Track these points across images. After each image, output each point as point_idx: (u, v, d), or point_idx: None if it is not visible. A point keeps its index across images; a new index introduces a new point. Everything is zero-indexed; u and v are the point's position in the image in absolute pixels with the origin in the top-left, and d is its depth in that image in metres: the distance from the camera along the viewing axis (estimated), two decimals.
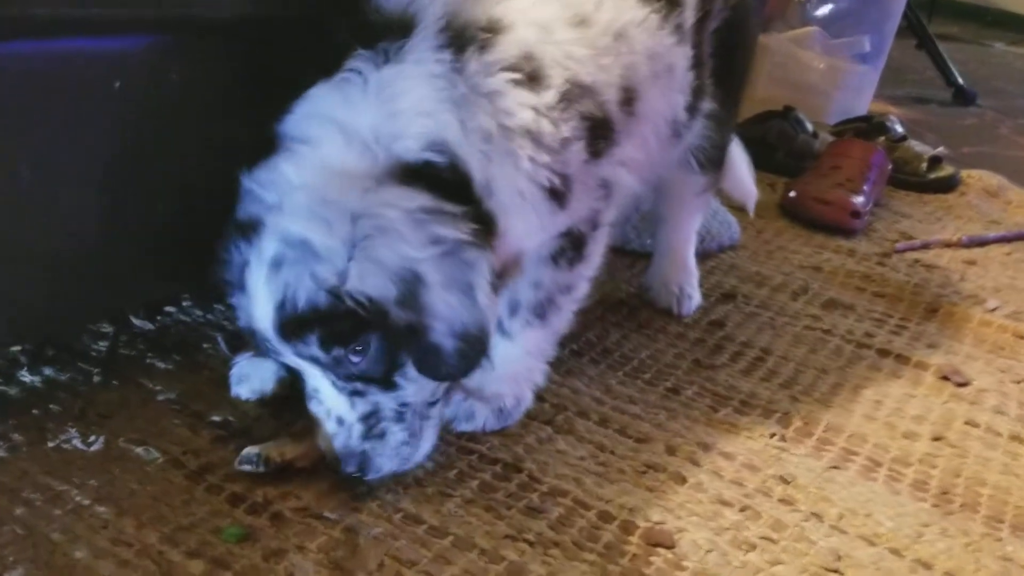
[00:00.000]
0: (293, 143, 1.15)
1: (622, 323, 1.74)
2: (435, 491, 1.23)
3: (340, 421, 1.16)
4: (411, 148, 1.13)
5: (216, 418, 1.31)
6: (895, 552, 1.24)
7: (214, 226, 1.17)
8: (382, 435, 1.16)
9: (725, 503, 1.28)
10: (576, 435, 1.39)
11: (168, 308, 1.56)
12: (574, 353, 1.61)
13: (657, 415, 1.46)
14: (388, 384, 1.16)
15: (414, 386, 1.17)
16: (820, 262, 2.12)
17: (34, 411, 1.28)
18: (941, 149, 2.90)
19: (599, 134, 1.24)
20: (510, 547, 1.15)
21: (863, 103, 3.20)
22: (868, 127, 2.80)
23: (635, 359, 1.62)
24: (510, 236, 1.21)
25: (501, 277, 1.21)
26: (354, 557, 1.10)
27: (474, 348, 1.13)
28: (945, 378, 1.68)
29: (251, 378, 1.36)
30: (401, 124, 1.14)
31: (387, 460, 1.17)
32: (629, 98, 1.30)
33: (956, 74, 4.01)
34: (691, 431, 1.43)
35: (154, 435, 1.27)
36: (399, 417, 1.17)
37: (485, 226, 1.16)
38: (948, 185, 2.73)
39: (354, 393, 1.15)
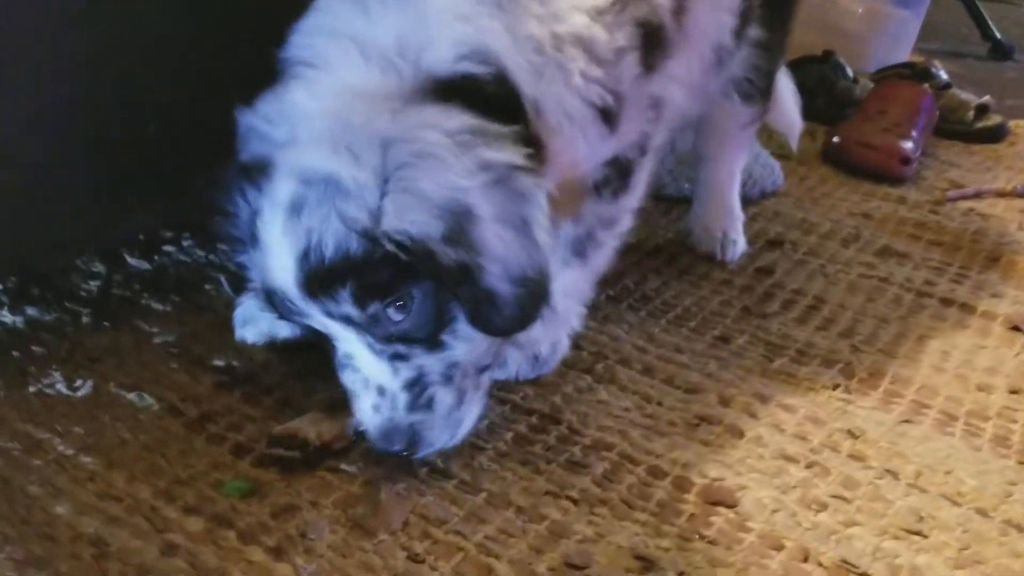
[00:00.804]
0: (301, 67, 0.99)
1: (661, 269, 1.59)
2: (464, 443, 1.08)
3: (381, 391, 0.98)
4: (445, 59, 0.97)
5: (218, 363, 1.18)
6: (982, 513, 1.09)
7: (203, 154, 1.02)
8: (429, 404, 0.99)
9: (789, 459, 1.14)
10: (618, 385, 1.25)
11: (167, 247, 1.42)
12: (611, 299, 1.47)
13: (707, 364, 1.32)
14: (434, 344, 0.99)
15: (465, 345, 1.00)
16: (869, 209, 1.97)
17: (14, 353, 1.15)
18: (987, 98, 2.73)
19: (654, 44, 1.10)
20: (551, 505, 1.02)
21: (902, 52, 3.02)
22: (911, 74, 2.63)
23: (678, 306, 1.47)
24: (556, 165, 1.06)
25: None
26: (375, 515, 0.96)
27: (533, 294, 0.96)
28: (1015, 328, 1.54)
29: (258, 320, 1.22)
30: (431, 31, 0.97)
31: (438, 433, 1.00)
32: (680, 7, 1.15)
33: (993, 28, 3.84)
34: (745, 382, 1.29)
35: (149, 380, 1.13)
36: (447, 379, 1.00)
37: (536, 151, 1.00)
38: (996, 135, 2.57)
39: (395, 357, 0.98)
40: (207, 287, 1.34)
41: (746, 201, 1.85)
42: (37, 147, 1.07)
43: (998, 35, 3.84)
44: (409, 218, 0.90)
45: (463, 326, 0.98)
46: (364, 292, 0.93)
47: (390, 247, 0.90)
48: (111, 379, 1.12)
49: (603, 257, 1.27)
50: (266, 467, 1.01)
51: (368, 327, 0.95)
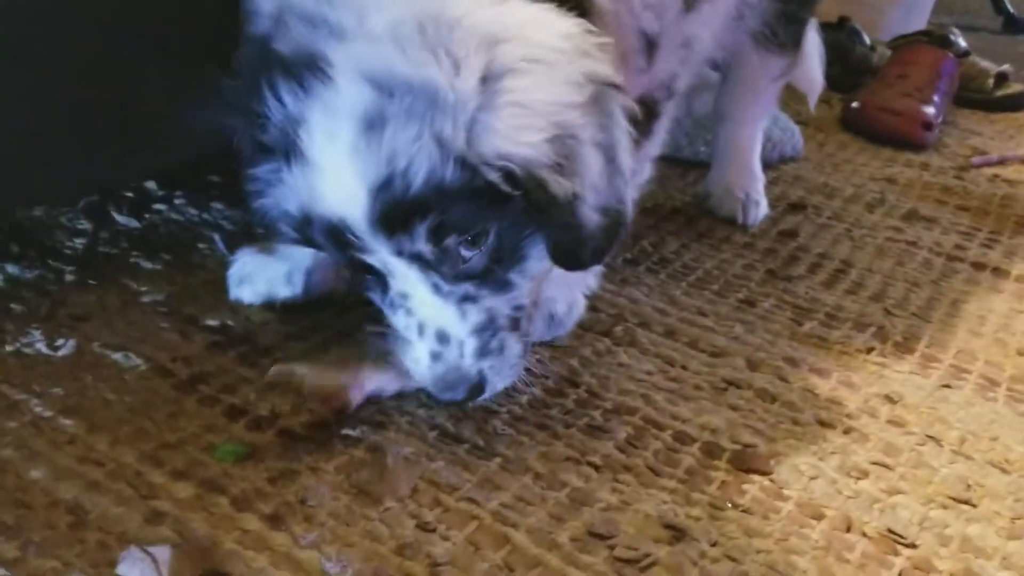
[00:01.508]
0: None
1: (680, 232, 1.51)
2: (476, 406, 1.00)
3: (443, 338, 0.87)
4: None
5: (212, 322, 1.09)
6: None
7: (193, 97, 0.93)
8: (501, 350, 0.90)
9: (825, 424, 1.06)
10: (639, 348, 1.16)
11: (158, 206, 1.34)
12: (628, 262, 1.38)
13: (732, 328, 1.24)
14: (504, 284, 0.88)
15: (530, 284, 0.91)
16: (892, 174, 1.89)
17: None
18: (1007, 66, 2.64)
19: None
20: (572, 471, 0.94)
21: (918, 22, 2.93)
22: (929, 41, 2.54)
23: (699, 269, 1.39)
24: None
25: None
26: (381, 480, 0.88)
27: (616, 224, 0.87)
28: None
29: (255, 279, 1.13)
30: None
31: (503, 379, 0.92)
32: None
33: (1006, 1, 3.75)
34: (774, 345, 1.21)
35: (136, 340, 1.05)
36: (515, 324, 0.91)
37: None
38: (1017, 103, 2.48)
39: (464, 299, 0.87)
40: (200, 246, 1.26)
41: (766, 165, 1.77)
42: (11, 86, 0.98)
43: (1011, 9, 3.76)
44: (521, 139, 0.77)
45: (532, 263, 0.89)
46: (446, 227, 0.81)
47: (494, 176, 0.78)
48: (95, 339, 1.04)
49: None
50: (263, 430, 0.93)
51: (438, 264, 0.84)
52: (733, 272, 1.40)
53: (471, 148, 0.77)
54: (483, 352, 0.88)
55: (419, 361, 0.89)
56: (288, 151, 0.81)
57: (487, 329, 0.88)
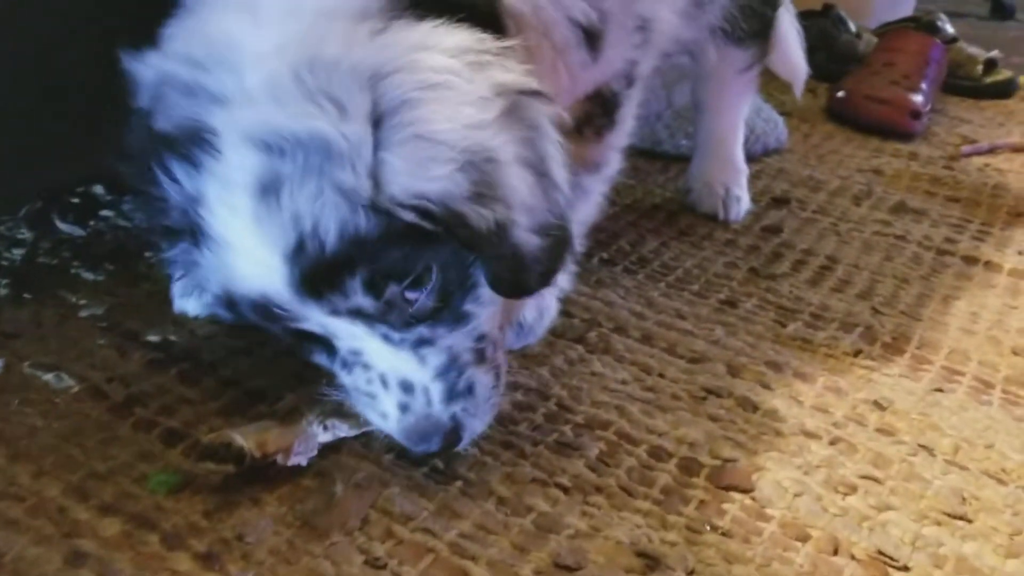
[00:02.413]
0: None
1: (659, 229, 1.44)
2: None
3: (407, 387, 0.80)
4: None
5: (153, 338, 1.02)
6: None
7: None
8: (471, 389, 0.83)
9: (810, 435, 0.99)
10: (614, 355, 1.10)
11: (105, 212, 1.26)
12: (605, 262, 1.32)
13: (712, 331, 1.17)
14: (459, 317, 0.82)
15: (487, 311, 0.84)
16: (879, 165, 1.82)
17: None
18: (996, 52, 2.58)
19: None
20: (538, 494, 0.87)
21: (906, 7, 2.87)
22: (916, 27, 2.48)
23: (678, 268, 1.32)
24: None
25: None
26: (328, 511, 0.81)
27: (559, 243, 0.79)
28: None
29: (200, 290, 1.06)
30: None
31: (480, 418, 0.85)
32: None
33: None
34: (756, 349, 1.14)
35: (70, 358, 0.98)
36: (480, 357, 0.84)
37: None
38: (1006, 90, 2.42)
39: (420, 343, 0.80)
40: (148, 254, 1.18)
41: (749, 158, 1.70)
42: None
43: None
44: (427, 174, 0.71)
45: (484, 290, 0.82)
46: (379, 277, 0.75)
47: (409, 216, 0.72)
48: (26, 358, 0.97)
49: (591, 206, 1.12)
50: (201, 456, 0.86)
51: (383, 316, 0.78)
52: (714, 271, 1.33)
53: (379, 192, 0.71)
54: (452, 395, 0.81)
55: (387, 415, 0.81)
56: (193, 232, 0.75)
57: (451, 369, 0.81)
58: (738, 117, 1.51)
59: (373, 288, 0.75)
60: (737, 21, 1.31)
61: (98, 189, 1.29)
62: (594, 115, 1.05)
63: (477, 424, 0.84)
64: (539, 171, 0.77)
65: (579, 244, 1.14)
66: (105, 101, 1.06)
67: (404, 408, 0.80)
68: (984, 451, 1.00)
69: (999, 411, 1.08)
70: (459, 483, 0.87)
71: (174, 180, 0.74)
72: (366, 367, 0.80)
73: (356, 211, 0.71)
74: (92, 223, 1.23)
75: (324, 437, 0.85)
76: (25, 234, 1.19)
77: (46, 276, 1.12)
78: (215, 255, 0.75)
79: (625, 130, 1.11)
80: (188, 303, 1.06)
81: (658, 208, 1.52)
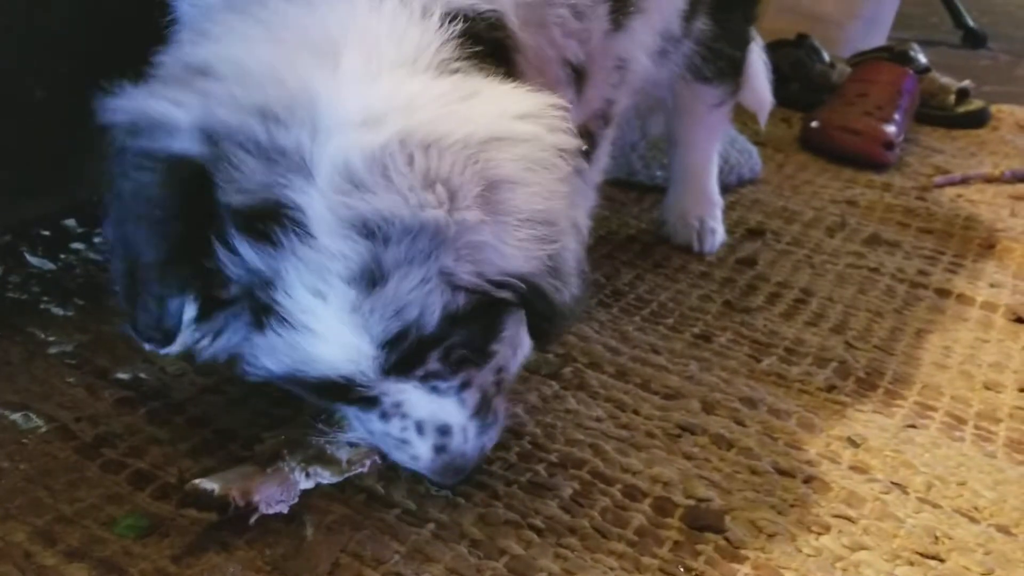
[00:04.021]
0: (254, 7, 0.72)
1: (634, 262, 1.45)
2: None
3: (444, 431, 0.80)
4: None
5: (123, 376, 1.01)
6: (1003, 530, 0.96)
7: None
8: (496, 417, 0.84)
9: (784, 473, 0.99)
10: (589, 391, 1.10)
11: (76, 245, 1.25)
12: None
13: (687, 366, 1.17)
14: (488, 357, 0.82)
15: (506, 347, 0.85)
16: (853, 196, 1.84)
17: None
18: (968, 82, 2.61)
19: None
20: (511, 536, 0.86)
21: (878, 36, 2.90)
22: (889, 58, 2.51)
23: (653, 302, 1.33)
24: None
25: None
26: (298, 556, 0.80)
27: (582, 287, 0.79)
28: (1019, 320, 1.40)
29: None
30: None
31: (493, 438, 0.86)
32: None
33: (966, 15, 3.75)
34: (731, 384, 1.14)
35: (38, 397, 0.96)
36: (499, 386, 0.85)
37: None
38: (979, 119, 2.45)
39: (462, 387, 0.80)
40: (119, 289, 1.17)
41: (723, 189, 1.71)
42: None
43: (971, 23, 3.76)
44: (527, 255, 0.70)
45: (507, 329, 0.82)
46: (457, 347, 0.75)
47: (503, 294, 0.71)
48: None
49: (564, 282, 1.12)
50: (170, 499, 0.85)
51: (442, 374, 0.78)
52: (689, 304, 1.33)
53: (479, 274, 0.70)
54: (483, 428, 0.82)
55: (419, 457, 0.81)
56: (258, 311, 0.71)
57: (483, 405, 0.82)
58: (712, 151, 1.52)
59: (447, 356, 0.76)
60: (705, 62, 1.32)
61: (70, 222, 1.27)
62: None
63: (490, 443, 0.85)
64: (576, 228, 0.78)
65: None
66: (78, 134, 1.05)
67: (440, 449, 0.80)
68: (957, 488, 1.01)
69: (971, 447, 1.08)
70: (431, 525, 0.86)
71: (235, 253, 0.69)
72: (404, 416, 0.79)
73: (457, 293, 0.70)
74: (63, 256, 1.22)
75: (306, 484, 0.85)
76: None
77: (15, 311, 1.10)
78: (286, 338, 0.71)
79: (600, 167, 1.12)
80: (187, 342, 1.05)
81: (633, 239, 1.52)
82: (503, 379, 0.86)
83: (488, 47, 0.76)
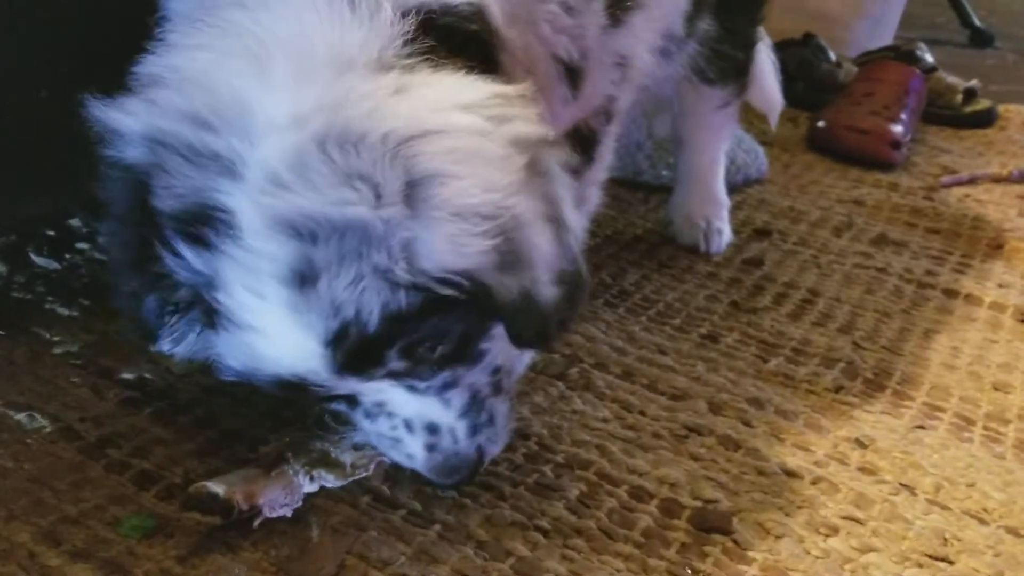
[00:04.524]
0: (208, 18, 0.72)
1: (640, 262, 1.44)
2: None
3: (433, 429, 0.80)
4: None
5: (127, 376, 1.01)
6: (1013, 532, 0.95)
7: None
8: (491, 419, 0.83)
9: (791, 474, 0.99)
10: (595, 392, 1.09)
11: (81, 244, 1.25)
12: None
13: (694, 367, 1.17)
14: (478, 356, 0.81)
15: (499, 344, 0.83)
16: (860, 196, 1.83)
17: None
18: (975, 82, 2.60)
19: None
20: (518, 537, 0.86)
21: (885, 36, 2.89)
22: (895, 57, 2.50)
23: (660, 302, 1.32)
24: None
25: None
26: (304, 557, 0.80)
27: (576, 288, 0.77)
28: None
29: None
30: None
31: (499, 443, 0.85)
32: None
33: (973, 15, 3.73)
34: (737, 385, 1.14)
35: (43, 397, 0.96)
36: (497, 388, 0.84)
37: None
38: (986, 119, 2.44)
39: (444, 387, 0.80)
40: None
41: (730, 189, 1.71)
42: None
43: (977, 22, 3.74)
44: (460, 249, 0.68)
45: (499, 328, 0.80)
46: (415, 344, 0.74)
47: (445, 291, 0.69)
48: None
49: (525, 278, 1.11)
50: (175, 499, 0.84)
51: (411, 373, 0.77)
52: (695, 305, 1.33)
53: (415, 272, 0.69)
54: (475, 429, 0.82)
55: (414, 456, 0.81)
56: (207, 313, 0.72)
57: (473, 406, 0.81)
58: (718, 151, 1.52)
59: (408, 354, 0.74)
60: (710, 64, 1.31)
61: (75, 222, 1.27)
62: (573, 152, 1.05)
63: (495, 449, 0.84)
64: (555, 220, 0.75)
65: None
66: (81, 133, 1.05)
67: (431, 448, 0.80)
68: (966, 490, 1.00)
69: (980, 448, 1.08)
70: (438, 527, 0.85)
71: (179, 256, 0.70)
72: (390, 415, 0.80)
73: (397, 291, 0.69)
74: (67, 256, 1.22)
75: (310, 487, 0.84)
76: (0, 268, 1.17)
77: (20, 312, 1.10)
78: (236, 338, 0.72)
79: (603, 166, 1.11)
80: (166, 340, 1.04)
81: (639, 239, 1.52)
82: (501, 380, 0.84)
83: (457, 42, 0.75)
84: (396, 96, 0.69)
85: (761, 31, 1.50)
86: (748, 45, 1.42)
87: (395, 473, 0.91)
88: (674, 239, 1.51)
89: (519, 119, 0.72)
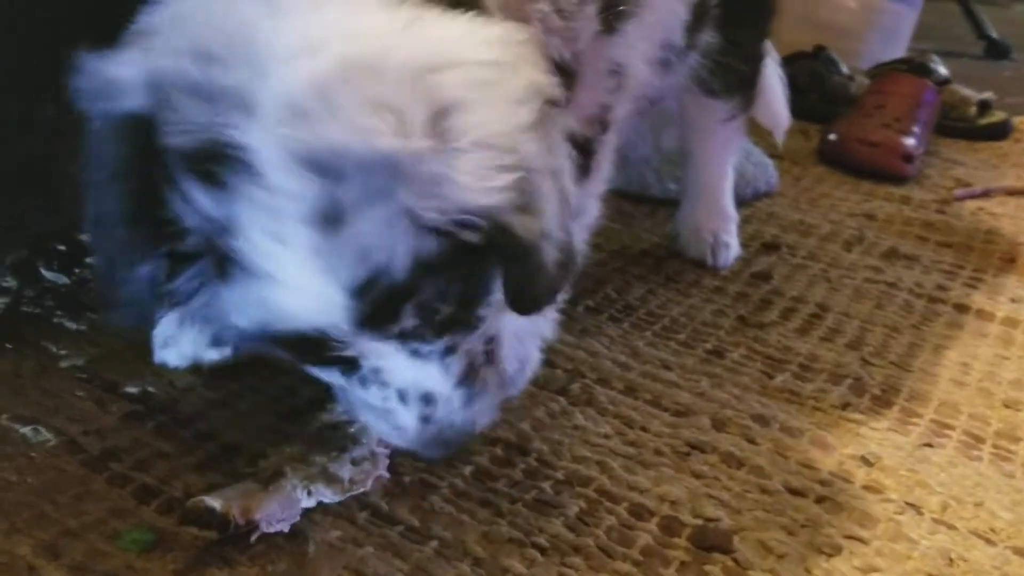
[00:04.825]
0: None
1: (646, 276, 1.44)
2: (414, 480, 0.93)
3: (429, 399, 0.77)
4: None
5: (131, 389, 1.01)
6: (1021, 553, 0.94)
7: None
8: (484, 387, 0.80)
9: (795, 492, 0.98)
10: (597, 407, 1.09)
11: (91, 259, 1.25)
12: (589, 310, 1.31)
13: (698, 382, 1.16)
14: (475, 322, 0.77)
15: (495, 312, 0.80)
16: (871, 209, 1.82)
17: None
18: (989, 94, 2.59)
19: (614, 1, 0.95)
20: (515, 554, 0.85)
21: (898, 48, 2.88)
22: (908, 69, 2.49)
23: (665, 317, 1.32)
24: None
25: None
26: (300, 573, 0.80)
27: (568, 260, 0.74)
28: None
29: (180, 340, 1.05)
30: None
31: (487, 415, 0.82)
32: None
33: (989, 26, 3.71)
34: (742, 401, 1.13)
35: (49, 411, 0.97)
36: (490, 357, 0.81)
37: None
38: (1000, 131, 2.43)
39: (446, 352, 0.76)
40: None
41: (739, 202, 1.70)
42: None
43: (993, 34, 3.72)
44: (488, 185, 0.64)
45: (496, 293, 0.77)
46: (432, 298, 0.70)
47: (466, 235, 0.66)
48: (4, 410, 0.96)
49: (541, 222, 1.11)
50: (174, 513, 0.85)
51: (419, 333, 0.73)
52: (701, 319, 1.32)
53: (442, 211, 0.64)
54: (470, 399, 0.79)
55: (405, 428, 0.78)
56: (220, 262, 0.67)
57: (469, 375, 0.78)
58: (725, 165, 1.51)
59: (421, 312, 0.70)
60: (714, 76, 1.31)
61: (86, 236, 1.28)
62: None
63: (483, 420, 0.82)
64: (558, 185, 0.72)
65: (563, 293, 1.13)
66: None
67: (426, 419, 0.77)
68: (973, 509, 0.99)
69: (989, 467, 1.07)
70: (435, 543, 0.85)
71: (189, 202, 0.65)
72: (383, 384, 0.76)
73: (423, 235, 0.65)
74: (77, 271, 1.23)
75: (307, 502, 0.84)
76: (10, 282, 1.18)
77: (29, 325, 1.11)
78: (250, 289, 0.67)
79: (602, 177, 1.10)
80: (168, 354, 1.05)
81: (645, 253, 1.51)
82: (493, 349, 0.82)
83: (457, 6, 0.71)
84: (412, 28, 0.66)
85: (769, 47, 1.49)
86: (754, 59, 1.41)
87: (394, 488, 0.91)
88: (681, 253, 1.51)
89: (533, 67, 0.70)
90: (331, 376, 0.79)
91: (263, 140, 0.62)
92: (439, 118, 0.63)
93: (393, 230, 0.64)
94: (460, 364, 0.77)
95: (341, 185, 0.62)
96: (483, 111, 0.65)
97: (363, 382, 0.76)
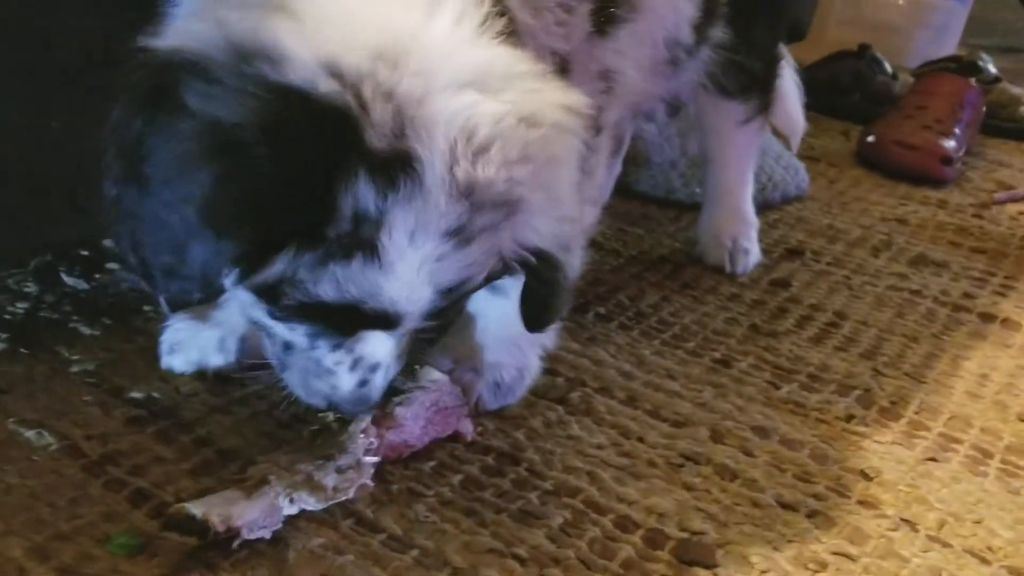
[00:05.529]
0: None
1: (663, 283, 1.43)
2: (402, 489, 0.94)
3: (374, 368, 0.85)
4: None
5: (136, 394, 1.04)
6: (1016, 573, 0.92)
7: None
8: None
9: (787, 506, 0.97)
10: (595, 417, 1.09)
11: (111, 265, 1.30)
12: (600, 317, 1.31)
13: (701, 393, 1.15)
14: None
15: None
16: (905, 214, 1.78)
17: None
18: None
19: (607, 3, 0.95)
20: (494, 565, 0.86)
21: (948, 45, 2.81)
22: (956, 68, 2.43)
23: (676, 325, 1.31)
24: None
25: None
26: None
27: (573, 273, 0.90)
28: None
29: (186, 346, 1.08)
30: None
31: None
32: None
33: None
34: (744, 412, 1.12)
35: (55, 415, 1.00)
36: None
37: None
38: None
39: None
40: (146, 308, 1.21)
41: (768, 206, 1.70)
42: None
43: None
44: (550, 231, 0.81)
45: None
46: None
47: (515, 265, 0.82)
48: (13, 414, 1.00)
49: (573, 260, 1.11)
50: (166, 527, 0.87)
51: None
52: (713, 327, 1.31)
53: (520, 246, 0.80)
54: (397, 367, 0.88)
55: (340, 388, 0.85)
56: (353, 246, 0.72)
57: (407, 347, 0.88)
58: (745, 169, 1.49)
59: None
60: (727, 75, 1.29)
61: (108, 242, 1.32)
62: None
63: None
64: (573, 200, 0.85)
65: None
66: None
67: (363, 383, 0.84)
68: (972, 527, 0.97)
69: (994, 483, 1.04)
70: (415, 552, 0.86)
71: (353, 195, 0.70)
72: (349, 350, 0.83)
73: (499, 261, 0.80)
74: (97, 276, 1.27)
75: (290, 510, 0.86)
76: (31, 287, 1.22)
77: (45, 330, 1.15)
78: (369, 272, 0.74)
79: (598, 180, 1.10)
80: (174, 360, 1.08)
81: (664, 260, 1.51)
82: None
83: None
84: (538, 81, 0.77)
85: (784, 51, 1.47)
86: (768, 58, 1.39)
87: (381, 496, 0.92)
88: (700, 259, 1.50)
89: (585, 127, 0.81)
90: (294, 335, 0.83)
91: (438, 161, 0.71)
92: (547, 170, 0.77)
93: (489, 256, 0.78)
94: (405, 339, 0.86)
95: (479, 215, 0.74)
96: (561, 170, 0.79)
97: (337, 347, 0.83)
